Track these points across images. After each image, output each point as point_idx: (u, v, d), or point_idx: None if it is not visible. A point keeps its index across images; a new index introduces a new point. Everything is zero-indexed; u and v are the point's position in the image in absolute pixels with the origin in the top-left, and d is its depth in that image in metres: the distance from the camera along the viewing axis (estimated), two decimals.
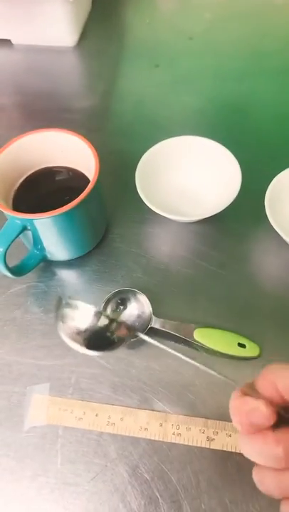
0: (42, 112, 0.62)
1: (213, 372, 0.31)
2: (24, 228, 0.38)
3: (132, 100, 0.62)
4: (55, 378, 0.40)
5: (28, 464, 0.37)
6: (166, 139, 0.49)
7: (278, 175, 0.46)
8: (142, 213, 0.49)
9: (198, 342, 0.40)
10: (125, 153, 0.55)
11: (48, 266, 0.47)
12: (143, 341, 0.41)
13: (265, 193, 0.45)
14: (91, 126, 0.59)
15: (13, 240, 0.38)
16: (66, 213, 0.37)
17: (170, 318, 0.41)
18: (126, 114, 0.60)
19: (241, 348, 0.40)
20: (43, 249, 0.43)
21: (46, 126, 0.59)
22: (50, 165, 0.45)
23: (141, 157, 0.48)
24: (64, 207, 0.37)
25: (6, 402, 0.39)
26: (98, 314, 0.32)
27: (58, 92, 0.64)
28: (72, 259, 0.46)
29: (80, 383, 0.40)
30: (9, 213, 0.38)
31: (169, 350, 0.32)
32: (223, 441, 0.37)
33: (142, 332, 0.40)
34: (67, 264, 0.47)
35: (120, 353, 0.42)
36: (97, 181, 0.39)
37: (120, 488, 0.36)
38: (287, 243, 0.45)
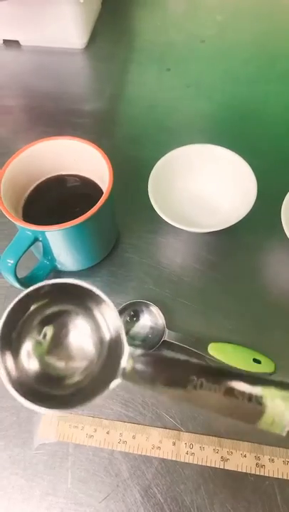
0: (50, 114, 0.61)
1: None
2: (35, 240, 0.37)
3: (143, 104, 0.61)
4: None
5: (37, 482, 0.36)
6: (177, 144, 0.48)
7: None
8: (154, 223, 0.47)
9: (212, 357, 0.39)
10: (136, 159, 0.54)
11: (57, 276, 0.46)
12: (154, 355, 0.41)
13: (280, 202, 0.44)
14: (100, 130, 0.58)
15: (25, 251, 0.37)
16: (78, 225, 0.36)
17: (182, 331, 0.40)
18: (136, 119, 0.59)
19: (256, 364, 0.39)
20: (53, 259, 0.42)
21: (54, 129, 0.58)
22: (62, 173, 0.44)
23: (152, 164, 0.47)
24: (76, 219, 0.36)
25: (15, 417, 0.39)
26: None
27: (66, 94, 0.63)
28: (82, 270, 0.45)
29: None
30: (20, 224, 0.37)
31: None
32: (238, 461, 0.36)
33: (156, 345, 0.39)
34: (78, 274, 0.46)
35: None
36: (110, 193, 0.38)
37: (132, 509, 0.35)
38: None
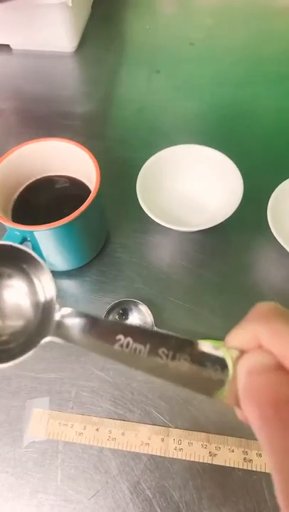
0: (40, 117, 0.61)
1: None
2: (24, 240, 0.38)
3: (132, 107, 0.61)
4: (55, 392, 0.40)
5: (27, 480, 0.36)
6: (167, 146, 0.49)
7: (281, 184, 0.45)
8: (143, 222, 0.48)
9: None
10: (125, 160, 0.54)
11: None
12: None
13: (267, 201, 0.45)
14: (90, 132, 0.59)
15: None
16: (66, 225, 0.37)
17: (171, 329, 0.41)
18: (126, 121, 0.60)
19: None
20: (42, 259, 0.43)
21: (45, 132, 0.59)
22: (51, 174, 0.45)
23: (141, 165, 0.47)
24: (64, 219, 0.36)
25: (5, 416, 0.39)
26: None
27: (57, 97, 0.64)
28: (72, 270, 0.46)
29: (80, 397, 0.40)
30: (9, 225, 0.37)
31: None
32: (226, 456, 0.36)
33: None
34: (67, 274, 0.46)
35: (121, 366, 0.41)
36: (98, 193, 0.38)
37: (121, 505, 0.35)
38: None
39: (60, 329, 0.22)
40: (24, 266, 0.24)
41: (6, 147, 0.43)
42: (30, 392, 0.40)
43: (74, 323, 0.21)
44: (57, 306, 0.22)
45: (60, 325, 0.22)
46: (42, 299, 0.23)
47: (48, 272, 0.24)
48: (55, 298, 0.23)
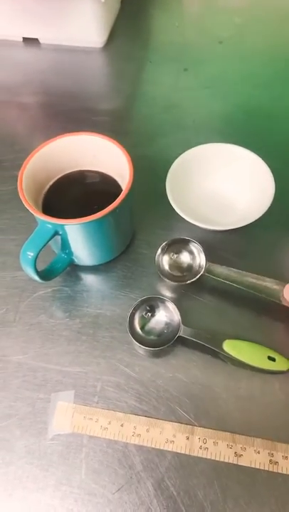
0: (67, 112, 0.61)
1: None
2: (56, 233, 0.38)
3: (160, 104, 0.61)
4: (80, 386, 0.40)
5: (51, 472, 0.36)
6: (194, 143, 0.49)
7: None
8: (169, 220, 0.48)
9: (227, 354, 0.40)
10: (152, 158, 0.54)
11: (73, 271, 0.46)
12: (170, 351, 0.41)
13: None
14: (117, 129, 0.58)
15: (45, 244, 0.37)
16: (98, 220, 0.37)
17: (198, 328, 0.41)
18: (154, 118, 0.60)
19: (271, 362, 0.40)
20: (70, 253, 0.43)
21: (72, 127, 0.58)
22: (81, 168, 0.45)
23: (168, 162, 0.47)
24: (96, 214, 0.36)
25: (31, 408, 0.39)
26: None
27: (84, 93, 0.64)
28: (98, 265, 0.46)
29: (105, 392, 0.40)
30: (41, 217, 0.37)
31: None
32: (251, 457, 0.36)
33: (171, 340, 0.40)
34: (93, 269, 0.46)
35: (146, 361, 0.41)
36: (129, 190, 0.38)
37: (146, 502, 0.35)
38: None
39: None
40: (162, 303, 0.42)
41: (33, 141, 0.43)
42: (56, 385, 0.40)
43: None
44: (181, 326, 0.40)
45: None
46: (171, 321, 0.42)
47: (173, 305, 0.42)
48: (180, 320, 0.41)
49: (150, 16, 0.73)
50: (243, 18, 0.71)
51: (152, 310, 0.42)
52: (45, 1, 0.62)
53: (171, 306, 0.42)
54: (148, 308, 0.42)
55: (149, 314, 0.42)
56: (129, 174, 0.38)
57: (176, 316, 0.41)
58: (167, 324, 0.42)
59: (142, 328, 0.42)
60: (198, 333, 0.40)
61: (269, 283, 0.41)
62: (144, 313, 0.42)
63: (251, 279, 0.42)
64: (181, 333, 0.40)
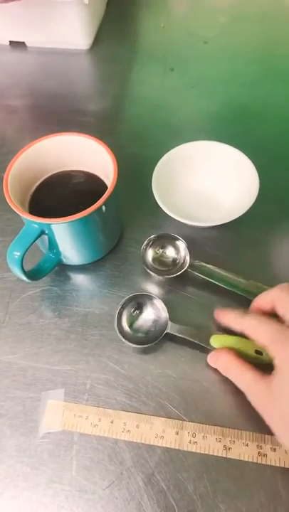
0: (55, 114, 0.62)
1: None
2: (42, 233, 0.38)
3: (147, 104, 0.61)
4: (70, 384, 0.40)
5: (42, 470, 0.37)
6: (180, 142, 0.49)
7: None
8: (157, 218, 0.48)
9: (214, 348, 0.40)
10: (140, 157, 0.55)
11: (62, 270, 0.47)
12: (158, 348, 0.41)
13: (281, 197, 0.45)
14: (105, 129, 0.59)
15: (31, 244, 0.38)
16: (84, 218, 0.37)
17: (185, 324, 0.41)
18: (140, 118, 0.60)
19: (258, 355, 0.40)
20: (58, 253, 0.43)
21: (59, 128, 0.59)
22: (67, 168, 0.45)
23: (156, 161, 0.48)
24: (82, 212, 0.37)
25: (21, 407, 0.39)
26: None
27: (72, 94, 0.64)
28: (87, 264, 0.46)
29: (94, 389, 0.40)
30: (27, 217, 0.37)
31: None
32: (240, 450, 0.36)
33: (159, 337, 0.40)
34: (82, 268, 0.47)
35: (135, 358, 0.41)
36: (114, 188, 0.38)
37: (136, 497, 0.35)
38: None
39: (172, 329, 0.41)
40: (149, 300, 0.43)
41: (21, 143, 0.43)
42: (46, 383, 0.40)
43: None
44: (169, 322, 0.41)
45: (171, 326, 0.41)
46: (159, 318, 0.42)
47: (161, 302, 0.42)
48: (168, 317, 0.42)
49: (136, 18, 0.74)
50: (228, 17, 0.72)
51: (140, 307, 0.42)
52: (31, 6, 0.62)
53: (158, 303, 0.42)
54: (136, 305, 0.42)
55: (137, 312, 0.42)
56: (114, 172, 0.39)
57: (164, 313, 0.41)
58: (155, 321, 0.42)
59: (130, 325, 0.42)
60: (186, 329, 0.41)
61: (248, 283, 0.42)
62: (132, 311, 0.42)
63: (232, 277, 0.42)
64: (168, 330, 0.41)
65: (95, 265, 0.47)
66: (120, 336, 0.41)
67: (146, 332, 0.42)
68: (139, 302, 0.43)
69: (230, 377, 0.38)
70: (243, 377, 0.36)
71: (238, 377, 0.37)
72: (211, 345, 0.40)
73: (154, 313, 0.42)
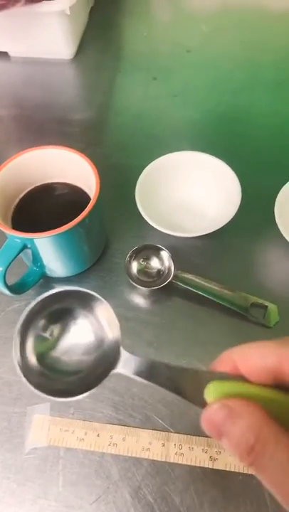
0: (39, 124, 0.62)
1: None
2: (24, 247, 0.38)
3: (130, 113, 0.62)
4: None
5: (29, 486, 0.36)
6: (165, 152, 0.49)
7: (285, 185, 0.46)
8: (142, 229, 0.48)
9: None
10: (124, 166, 0.55)
11: (47, 282, 0.47)
12: None
13: (265, 205, 0.45)
14: (89, 139, 0.59)
15: (13, 259, 0.38)
16: (67, 232, 0.37)
17: (173, 339, 0.41)
18: (124, 128, 0.60)
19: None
20: (42, 266, 0.43)
21: (43, 138, 0.59)
22: (50, 181, 0.45)
23: (139, 171, 0.48)
24: (64, 226, 0.37)
25: (6, 423, 0.39)
26: None
27: (56, 104, 0.64)
28: (71, 276, 0.46)
29: (80, 403, 0.40)
30: (9, 232, 0.37)
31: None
32: (226, 460, 0.37)
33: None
34: (67, 280, 0.46)
35: None
36: (97, 200, 0.38)
37: (123, 511, 0.35)
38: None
39: (127, 363, 0.25)
40: (89, 306, 0.27)
41: (4, 154, 0.43)
42: (31, 398, 0.40)
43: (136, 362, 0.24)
44: (121, 349, 0.25)
45: (126, 359, 0.25)
46: (108, 335, 0.26)
47: (110, 309, 0.26)
48: (119, 334, 0.25)
49: (118, 27, 0.74)
50: (211, 26, 0.73)
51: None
52: (13, 16, 0.62)
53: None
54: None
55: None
56: (96, 186, 0.39)
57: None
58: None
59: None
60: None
61: (234, 295, 0.43)
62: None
63: (217, 288, 0.43)
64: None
65: (79, 277, 0.46)
66: None
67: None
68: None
69: (259, 472, 0.20)
70: None
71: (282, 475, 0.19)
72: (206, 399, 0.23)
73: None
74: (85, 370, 0.26)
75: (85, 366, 0.26)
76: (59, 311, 0.27)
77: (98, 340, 0.26)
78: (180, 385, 0.23)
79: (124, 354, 0.25)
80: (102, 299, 0.26)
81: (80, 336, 0.27)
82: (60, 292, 0.26)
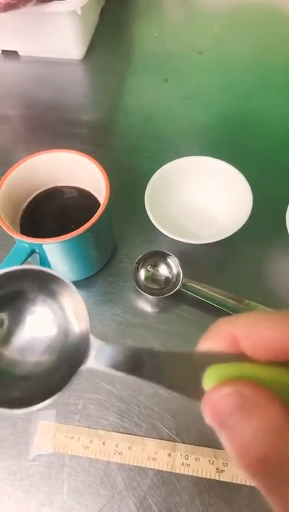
0: (47, 124, 0.61)
1: None
2: (32, 252, 0.38)
3: (140, 115, 0.61)
4: (62, 404, 0.40)
5: (33, 493, 0.36)
6: (174, 155, 0.49)
7: None
8: (150, 233, 0.48)
9: None
10: (133, 169, 0.54)
11: None
12: None
13: (277, 213, 0.45)
14: (98, 141, 0.58)
15: (22, 263, 0.37)
16: (76, 238, 0.37)
17: (180, 345, 0.41)
18: (134, 130, 0.60)
19: None
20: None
21: (52, 139, 0.59)
22: (59, 184, 0.45)
23: (149, 174, 0.47)
24: (74, 232, 0.36)
25: (12, 429, 0.39)
26: None
27: (65, 104, 0.64)
28: (79, 280, 0.46)
29: (86, 410, 0.39)
30: (17, 237, 0.37)
31: None
32: (233, 472, 0.36)
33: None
34: (74, 284, 0.46)
35: (127, 378, 0.41)
36: (107, 205, 0.38)
37: None
38: None
39: (100, 354, 0.19)
40: (50, 290, 0.21)
41: (13, 154, 0.43)
42: None
43: (108, 352, 0.20)
44: (91, 341, 0.20)
45: (99, 349, 0.20)
46: (74, 327, 0.20)
47: (78, 295, 0.21)
48: (88, 326, 0.20)
49: (129, 27, 0.73)
50: (223, 27, 0.72)
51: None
52: (24, 15, 0.61)
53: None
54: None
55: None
56: (106, 191, 0.38)
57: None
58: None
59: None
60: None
61: (245, 307, 0.42)
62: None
63: (228, 300, 0.42)
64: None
65: (87, 282, 0.46)
66: None
67: None
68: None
69: (266, 487, 0.16)
70: None
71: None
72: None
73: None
74: (46, 371, 0.20)
75: (46, 366, 0.20)
76: (9, 296, 0.21)
77: (62, 334, 0.21)
78: (170, 375, 0.18)
79: (95, 343, 0.20)
80: (68, 282, 0.21)
81: (39, 329, 0.21)
82: (11, 272, 0.20)
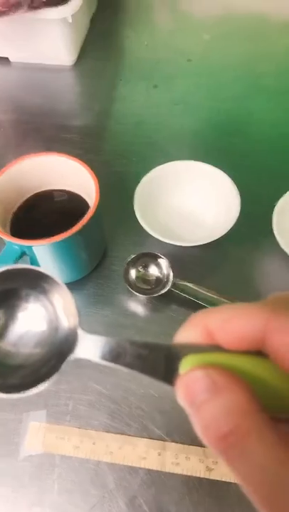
0: (38, 130, 0.62)
1: None
2: (22, 254, 0.38)
3: (130, 121, 0.62)
4: (52, 405, 0.40)
5: (23, 493, 0.36)
6: (164, 160, 0.50)
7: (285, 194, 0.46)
8: (141, 236, 0.48)
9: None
10: (123, 174, 0.55)
11: None
12: None
13: (265, 216, 0.46)
14: (88, 146, 0.59)
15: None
16: (65, 240, 0.37)
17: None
18: (124, 135, 0.60)
19: None
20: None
21: (43, 145, 0.59)
22: (50, 188, 0.45)
23: (139, 179, 0.48)
24: (63, 233, 0.37)
25: (2, 429, 0.39)
26: None
27: (55, 110, 0.64)
28: (69, 283, 0.46)
29: (77, 410, 0.40)
30: (7, 239, 0.37)
31: None
32: (223, 471, 0.37)
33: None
34: None
35: (117, 378, 0.41)
36: (96, 208, 0.39)
37: None
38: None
39: (87, 345, 0.21)
40: (41, 288, 0.22)
41: (3, 160, 0.43)
42: (27, 405, 0.40)
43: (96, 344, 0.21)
44: (79, 330, 0.21)
45: (86, 340, 0.21)
46: (63, 322, 0.22)
47: (68, 293, 0.22)
48: (77, 322, 0.22)
49: (120, 35, 0.74)
50: (212, 35, 0.73)
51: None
52: (15, 22, 0.62)
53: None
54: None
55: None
56: (95, 194, 0.39)
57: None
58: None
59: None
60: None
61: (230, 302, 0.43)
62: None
63: (217, 298, 0.43)
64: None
65: (78, 284, 0.46)
66: None
67: None
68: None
69: (231, 465, 0.17)
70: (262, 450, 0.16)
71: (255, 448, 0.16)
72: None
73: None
74: (39, 362, 0.22)
75: (38, 357, 0.22)
76: (3, 294, 0.23)
77: (52, 329, 0.22)
78: (151, 364, 0.20)
79: (82, 335, 0.21)
80: (59, 281, 0.22)
81: (31, 324, 0.23)
82: (4, 271, 0.22)
